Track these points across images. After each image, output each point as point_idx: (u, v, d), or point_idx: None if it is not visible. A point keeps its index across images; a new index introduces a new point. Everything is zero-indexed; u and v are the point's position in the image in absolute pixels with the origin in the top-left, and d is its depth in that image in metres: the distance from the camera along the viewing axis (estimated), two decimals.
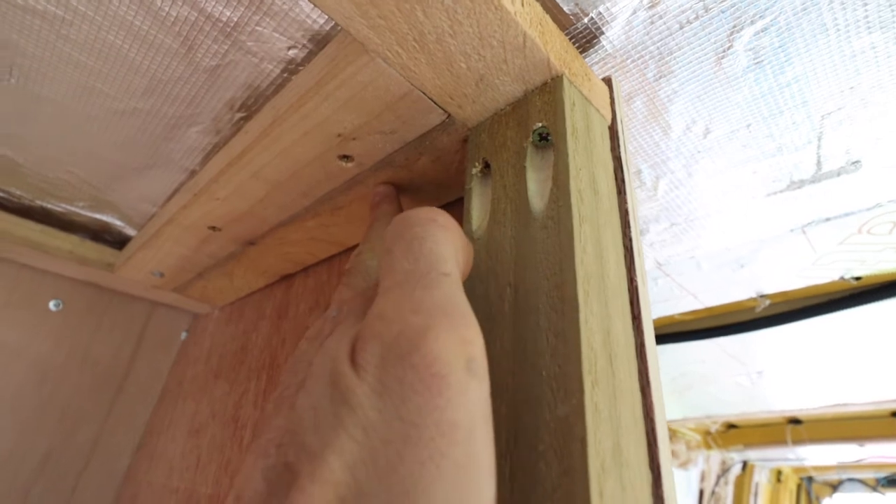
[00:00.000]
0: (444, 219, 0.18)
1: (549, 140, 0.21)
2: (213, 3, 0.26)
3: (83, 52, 0.30)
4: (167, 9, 0.27)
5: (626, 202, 0.22)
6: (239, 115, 0.34)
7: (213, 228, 0.39)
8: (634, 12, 0.25)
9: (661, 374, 0.20)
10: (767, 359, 0.78)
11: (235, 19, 0.27)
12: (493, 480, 0.13)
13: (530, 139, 0.21)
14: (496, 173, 0.22)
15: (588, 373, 0.15)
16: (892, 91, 0.28)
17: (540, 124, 0.21)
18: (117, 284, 0.58)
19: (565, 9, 0.24)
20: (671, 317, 0.70)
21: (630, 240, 0.21)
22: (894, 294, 0.52)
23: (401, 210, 0.30)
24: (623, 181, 0.23)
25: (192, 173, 0.41)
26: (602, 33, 0.26)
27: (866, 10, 0.24)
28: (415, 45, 0.21)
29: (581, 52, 0.27)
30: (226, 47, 0.29)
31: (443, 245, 0.17)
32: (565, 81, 0.21)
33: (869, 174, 0.35)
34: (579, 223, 0.18)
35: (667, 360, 0.83)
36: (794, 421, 1.34)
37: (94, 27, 0.28)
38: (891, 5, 0.24)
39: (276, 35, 0.27)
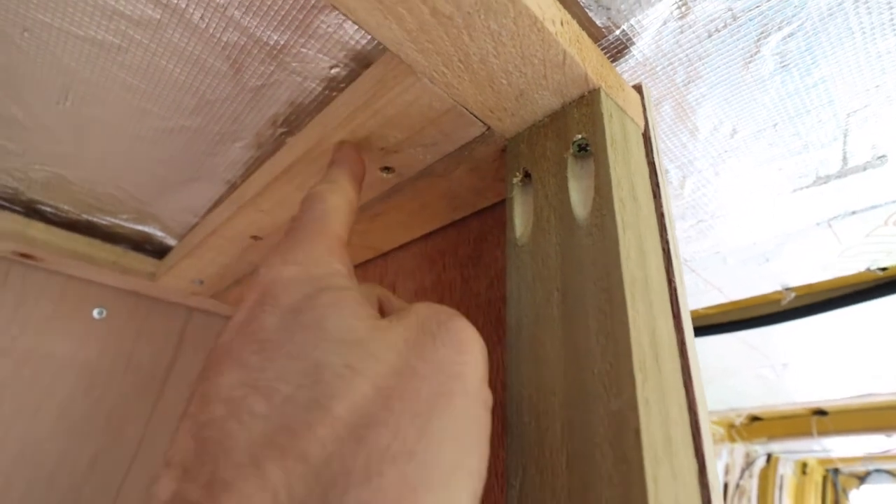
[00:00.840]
0: None
1: (587, 150, 0.22)
2: (263, 28, 0.28)
3: (136, 77, 0.32)
4: (218, 34, 0.28)
5: (661, 206, 0.23)
6: (281, 130, 0.35)
7: (256, 238, 0.41)
8: (664, 23, 0.26)
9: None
10: (792, 351, 0.79)
11: (282, 43, 0.28)
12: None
13: (570, 150, 0.22)
14: (537, 182, 0.24)
15: (639, 370, 0.17)
16: None
17: (580, 136, 0.22)
18: (157, 292, 0.61)
19: (598, 22, 0.26)
20: (696, 310, 0.71)
21: (667, 242, 0.23)
22: None
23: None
24: (658, 185, 0.24)
25: (234, 185, 0.43)
26: (633, 43, 0.27)
27: (892, 13, 0.25)
28: (460, 66, 0.22)
29: (612, 61, 0.28)
30: (272, 68, 0.30)
31: None
32: (602, 94, 0.22)
33: (895, 168, 0.35)
34: (623, 231, 0.19)
35: None
36: (820, 412, 1.33)
37: (147, 53, 0.30)
38: None
39: (321, 56, 0.29)
